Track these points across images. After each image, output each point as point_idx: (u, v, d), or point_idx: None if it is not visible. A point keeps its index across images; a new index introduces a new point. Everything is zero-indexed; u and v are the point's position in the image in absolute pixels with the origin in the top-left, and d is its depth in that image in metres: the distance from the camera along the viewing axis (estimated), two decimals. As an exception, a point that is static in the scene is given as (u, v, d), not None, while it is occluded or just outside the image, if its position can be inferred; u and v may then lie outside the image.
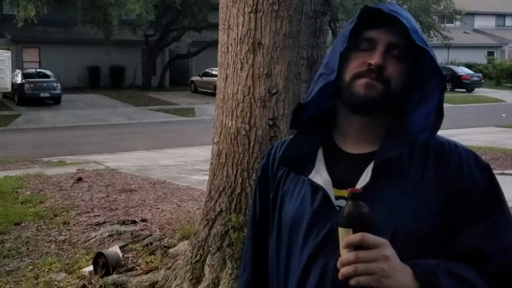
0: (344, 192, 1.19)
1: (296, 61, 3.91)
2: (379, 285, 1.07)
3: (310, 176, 1.27)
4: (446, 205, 1.20)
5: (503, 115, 20.43)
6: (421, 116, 1.25)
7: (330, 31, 4.20)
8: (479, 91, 31.16)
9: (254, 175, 3.99)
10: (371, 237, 1.08)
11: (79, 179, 8.97)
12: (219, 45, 4.22)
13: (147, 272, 4.50)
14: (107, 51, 25.31)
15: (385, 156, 1.22)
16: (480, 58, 39.74)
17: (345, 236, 1.09)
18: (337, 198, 1.24)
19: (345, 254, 1.09)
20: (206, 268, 4.00)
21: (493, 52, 43.06)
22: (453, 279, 1.13)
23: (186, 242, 4.66)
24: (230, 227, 4.03)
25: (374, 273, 1.07)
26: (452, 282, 1.13)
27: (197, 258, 4.08)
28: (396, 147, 1.23)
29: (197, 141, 13.31)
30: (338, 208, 1.21)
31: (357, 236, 1.07)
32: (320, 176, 1.27)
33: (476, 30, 44.88)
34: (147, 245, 5.20)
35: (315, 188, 1.27)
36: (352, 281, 1.07)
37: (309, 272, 1.24)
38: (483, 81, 32.73)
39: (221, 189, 4.12)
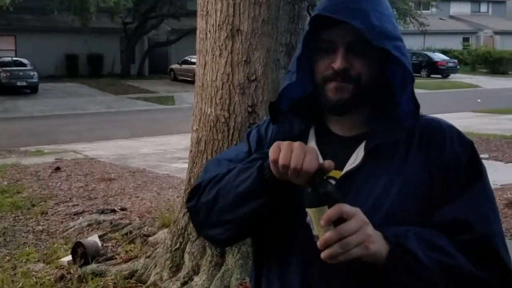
0: (334, 173, 1.20)
1: (275, 47, 3.89)
2: (366, 251, 1.07)
3: None
4: (431, 182, 1.21)
5: (478, 100, 20.66)
6: (405, 100, 1.25)
7: (308, 17, 4.19)
8: (455, 77, 31.44)
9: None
10: (347, 206, 1.08)
11: (57, 168, 8.87)
12: (198, 32, 4.18)
13: (126, 261, 4.47)
14: (84, 39, 24.95)
15: (377, 141, 1.23)
16: (455, 44, 40.05)
17: (320, 215, 1.07)
18: (328, 178, 1.23)
19: (325, 233, 1.06)
20: (186, 255, 4.00)
21: (468, 38, 43.42)
22: (423, 243, 1.13)
23: (165, 230, 4.64)
24: (210, 214, 4.01)
25: (360, 242, 1.06)
26: (422, 245, 1.13)
27: (177, 246, 4.07)
28: (388, 132, 1.24)
29: (177, 129, 13.23)
30: None
31: (335, 209, 1.06)
32: None
33: (451, 17, 45.22)
34: (126, 234, 5.17)
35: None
36: (341, 258, 1.06)
37: (307, 263, 1.22)
38: (458, 67, 33.02)
39: (200, 176, 4.09)
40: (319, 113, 1.33)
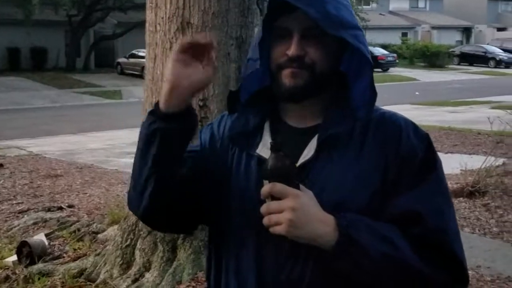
0: None
1: (225, 40, 3.87)
2: (289, 234, 1.10)
3: (258, 151, 1.28)
4: (385, 173, 1.21)
5: (417, 93, 21.22)
6: (359, 90, 1.25)
7: (258, 11, 4.19)
8: (394, 71, 32.15)
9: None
10: (278, 187, 1.10)
11: (0, 165, 8.57)
12: (147, 24, 4.12)
13: (75, 260, 4.36)
14: (27, 32, 24.13)
15: (330, 131, 1.23)
16: (395, 39, 41.00)
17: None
18: None
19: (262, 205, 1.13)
20: (137, 252, 3.94)
21: (407, 33, 44.53)
22: (375, 235, 1.14)
23: (115, 227, 4.56)
24: (161, 210, 3.96)
25: (280, 223, 1.10)
26: (372, 238, 1.13)
27: (128, 242, 4.00)
28: (341, 123, 1.24)
29: (126, 124, 13.00)
30: None
31: (267, 187, 1.11)
32: (267, 149, 1.25)
33: (391, 12, 46.31)
34: (74, 231, 5.04)
35: (262, 161, 1.26)
36: (270, 229, 1.11)
37: (263, 244, 1.23)
38: (397, 61, 33.82)
39: (151, 171, 4.03)
40: (275, 107, 1.33)
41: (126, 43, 28.31)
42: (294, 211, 1.09)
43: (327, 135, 1.23)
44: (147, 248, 3.92)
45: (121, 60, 27.94)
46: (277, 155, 1.13)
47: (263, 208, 1.12)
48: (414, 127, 1.27)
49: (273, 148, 1.14)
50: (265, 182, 1.13)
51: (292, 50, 1.21)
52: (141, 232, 3.97)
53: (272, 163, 1.13)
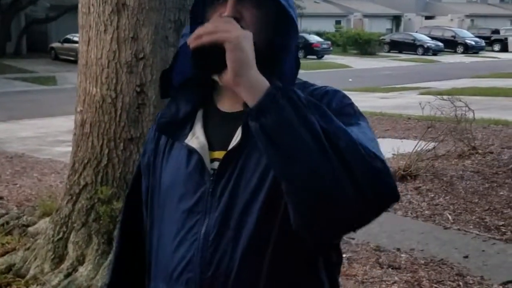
0: (220, 154, 1.17)
1: (163, 23, 3.72)
2: (235, 56, 1.03)
3: (186, 141, 1.22)
4: None
5: (350, 79, 21.62)
6: (290, 64, 1.20)
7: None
8: (328, 58, 32.64)
9: (122, 144, 3.78)
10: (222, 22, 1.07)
11: None
12: (80, 5, 3.92)
13: (2, 255, 4.11)
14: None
15: None
16: (329, 26, 41.70)
17: None
18: (212, 160, 1.19)
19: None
20: (70, 245, 3.75)
21: (340, 21, 45.36)
22: (309, 102, 1.03)
23: (47, 219, 4.33)
24: (96, 200, 3.79)
25: (232, 31, 1.04)
26: (307, 103, 1.02)
27: (60, 235, 3.80)
28: None
29: (60, 111, 12.51)
30: (211, 172, 1.17)
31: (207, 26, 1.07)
32: (196, 139, 1.21)
33: (325, 0, 47.07)
34: (2, 224, 4.76)
35: (191, 152, 1.20)
36: (216, 36, 1.04)
37: (180, 242, 1.18)
38: (331, 48, 34.36)
39: (85, 161, 3.86)
40: (209, 92, 1.26)
41: (60, 27, 27.36)
42: (244, 36, 1.05)
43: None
44: (81, 241, 3.73)
45: (55, 45, 26.99)
46: None
47: (205, 27, 1.05)
48: (343, 95, 1.21)
49: None
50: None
51: (226, 12, 1.14)
52: (75, 225, 3.78)
53: None
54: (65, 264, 3.68)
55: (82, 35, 3.91)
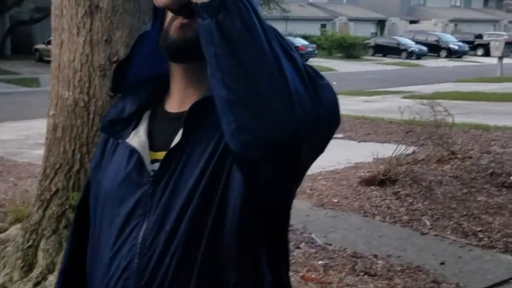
0: (162, 155, 1.13)
1: (137, 26, 3.67)
2: None
3: (128, 140, 1.18)
4: None
5: (334, 82, 21.55)
6: None
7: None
8: (314, 61, 32.68)
9: (94, 149, 3.72)
10: None
11: None
12: (52, 7, 3.88)
13: (-29, 262, 4.02)
14: None
15: (190, 112, 1.13)
16: (314, 30, 41.94)
17: None
18: (153, 161, 1.15)
19: None
20: (40, 253, 3.67)
21: (325, 25, 45.61)
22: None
23: (19, 225, 4.24)
24: (68, 206, 3.72)
25: None
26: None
27: (30, 243, 3.72)
28: (203, 101, 1.11)
29: (42, 113, 12.10)
30: (152, 173, 1.13)
31: None
32: (138, 138, 1.17)
33: (310, 4, 47.27)
34: (-27, 230, 4.66)
35: (132, 152, 1.16)
36: None
37: (118, 249, 1.13)
38: (316, 51, 34.55)
39: (57, 166, 3.79)
40: (161, 94, 1.22)
41: (45, 29, 27.06)
42: None
43: (186, 117, 1.12)
44: (51, 249, 3.66)
45: (40, 46, 26.80)
46: None
47: None
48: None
49: None
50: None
51: None
52: (45, 232, 3.71)
53: None
54: (35, 273, 3.60)
55: (55, 37, 3.86)
